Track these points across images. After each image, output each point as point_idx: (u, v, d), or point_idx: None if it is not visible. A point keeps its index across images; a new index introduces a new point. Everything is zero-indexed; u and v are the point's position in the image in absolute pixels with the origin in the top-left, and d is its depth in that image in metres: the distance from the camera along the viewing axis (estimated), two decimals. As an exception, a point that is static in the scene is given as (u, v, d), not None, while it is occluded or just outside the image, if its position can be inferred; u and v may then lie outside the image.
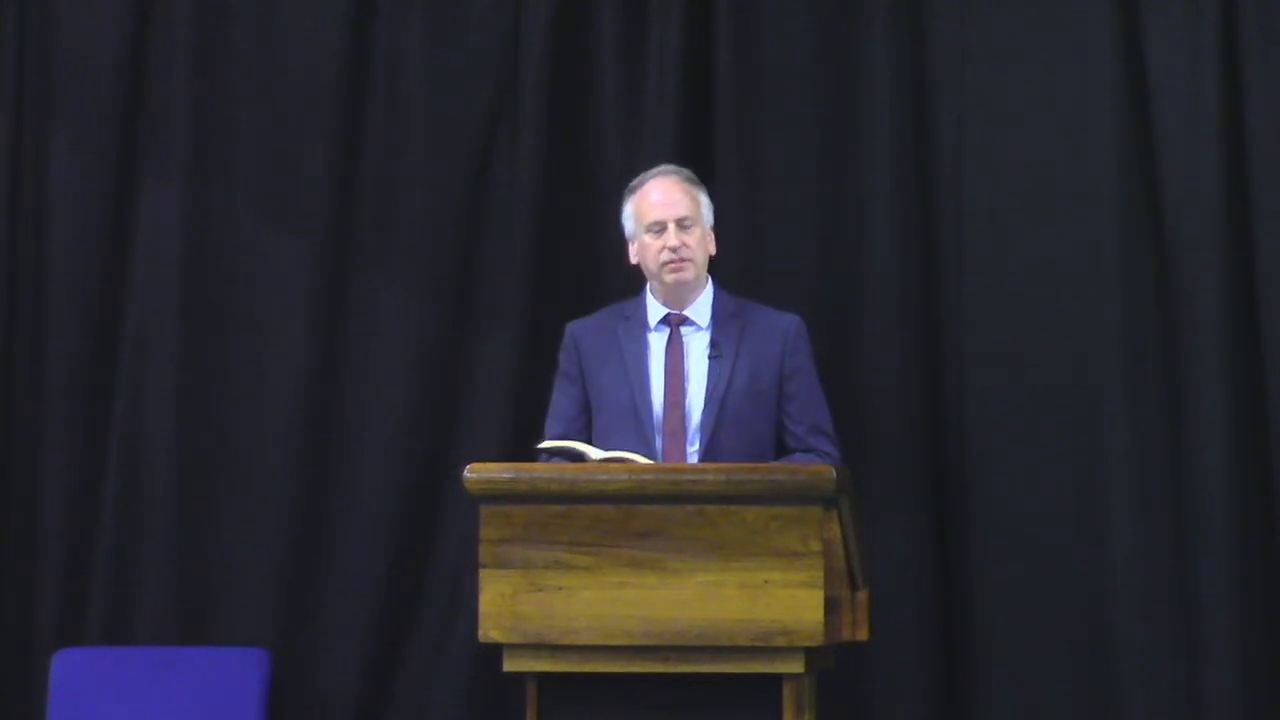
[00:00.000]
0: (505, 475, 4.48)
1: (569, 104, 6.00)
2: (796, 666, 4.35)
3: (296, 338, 6.06)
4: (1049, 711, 5.73)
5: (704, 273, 5.11)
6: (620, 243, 5.34)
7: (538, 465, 4.74)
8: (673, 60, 5.93)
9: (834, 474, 4.40)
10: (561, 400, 5.13)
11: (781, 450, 5.04)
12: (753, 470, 4.51)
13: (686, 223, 5.06)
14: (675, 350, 5.05)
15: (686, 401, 4.98)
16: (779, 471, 4.50)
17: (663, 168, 5.18)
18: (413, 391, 6.02)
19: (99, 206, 6.14)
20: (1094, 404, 5.74)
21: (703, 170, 5.86)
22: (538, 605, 4.38)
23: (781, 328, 5.08)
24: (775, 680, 4.37)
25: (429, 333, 6.03)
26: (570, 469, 4.62)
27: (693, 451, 4.96)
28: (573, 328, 5.19)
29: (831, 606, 4.40)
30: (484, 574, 4.42)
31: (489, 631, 4.40)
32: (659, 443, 4.96)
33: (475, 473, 4.48)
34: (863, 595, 4.55)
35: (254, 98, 6.12)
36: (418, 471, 6.00)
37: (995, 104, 5.86)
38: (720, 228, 5.85)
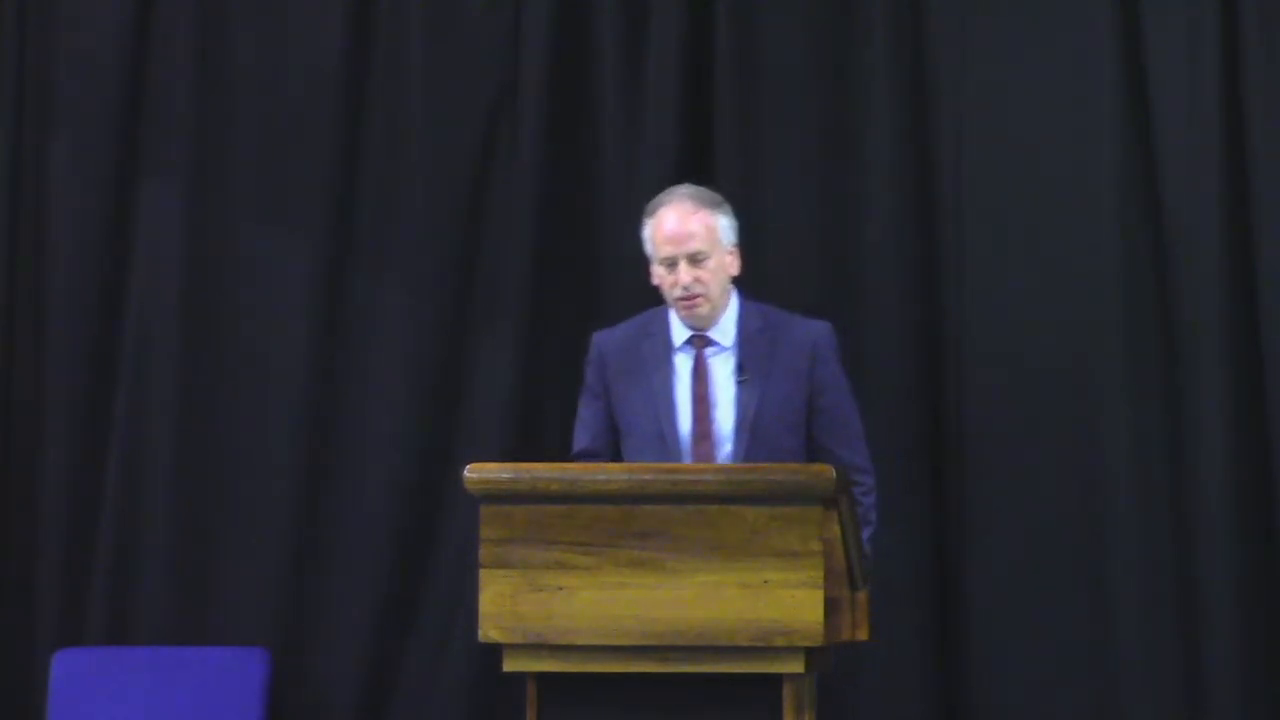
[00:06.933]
0: (505, 475, 4.47)
1: (569, 104, 6.00)
2: (796, 666, 4.35)
3: (296, 338, 6.06)
4: (1049, 712, 5.73)
5: (724, 296, 4.91)
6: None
7: (538, 465, 4.73)
8: (673, 60, 5.94)
9: (834, 474, 4.40)
10: (587, 413, 5.00)
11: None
12: (753, 470, 4.51)
13: (699, 256, 4.84)
14: (701, 377, 4.90)
15: (714, 430, 4.87)
16: (779, 471, 4.49)
17: (679, 191, 4.93)
18: (413, 391, 6.02)
19: (99, 206, 6.14)
20: (1094, 404, 5.74)
21: (702, 170, 5.87)
22: (538, 605, 4.38)
23: (810, 341, 4.93)
24: (775, 680, 4.37)
25: (429, 333, 6.03)
26: (571, 469, 4.61)
27: None
28: (599, 341, 5.02)
29: (831, 606, 4.40)
30: (484, 574, 4.41)
31: (489, 631, 4.40)
32: None
33: (475, 473, 4.47)
34: (863, 595, 4.54)
35: (254, 98, 6.13)
36: (418, 471, 6.00)
37: (995, 104, 5.86)
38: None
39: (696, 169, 5.88)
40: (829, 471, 4.40)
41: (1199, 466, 5.68)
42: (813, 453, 4.92)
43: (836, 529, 4.44)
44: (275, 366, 6.07)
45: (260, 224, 6.11)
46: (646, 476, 4.45)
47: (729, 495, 4.37)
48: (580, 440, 4.99)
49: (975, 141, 5.85)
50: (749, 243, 5.78)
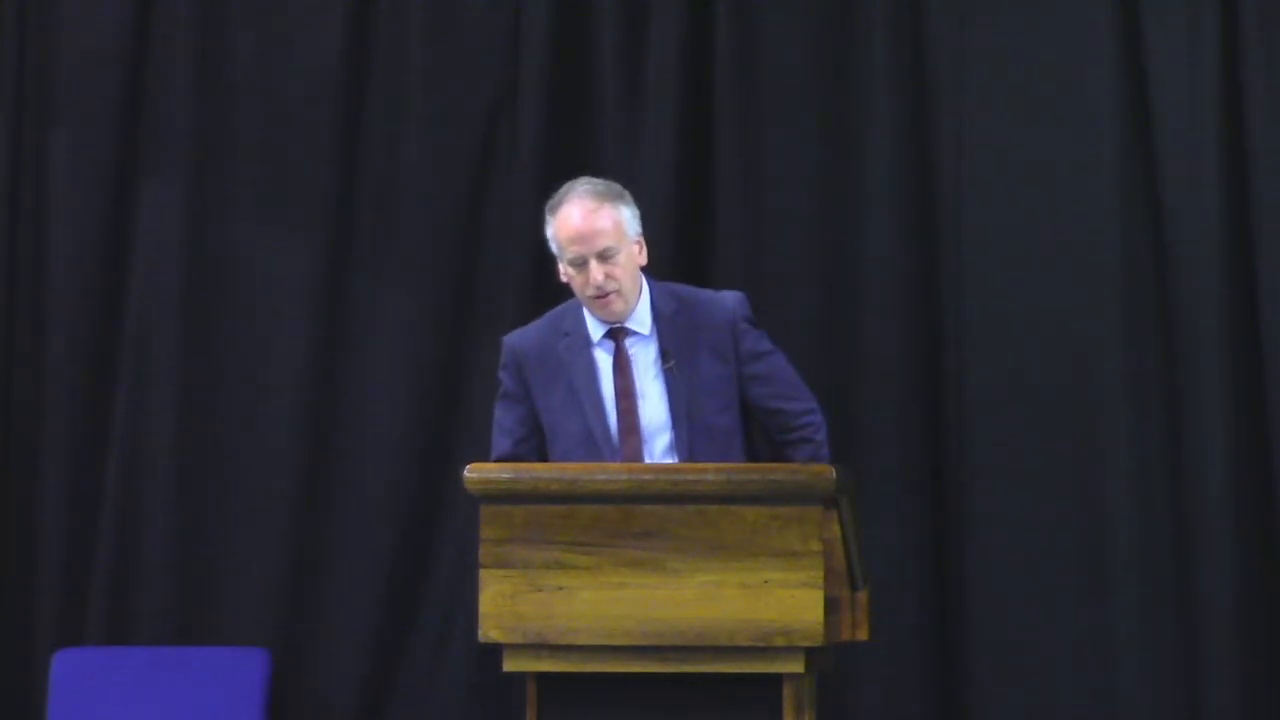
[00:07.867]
0: (505, 475, 4.47)
1: (569, 104, 6.00)
2: (796, 666, 4.35)
3: (296, 338, 6.06)
4: (1048, 712, 5.73)
5: (636, 287, 4.79)
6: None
7: (537, 465, 4.74)
8: (673, 60, 5.93)
9: (834, 474, 4.40)
10: (507, 419, 4.89)
11: (767, 438, 4.85)
12: (753, 470, 4.51)
13: (609, 253, 4.71)
14: (624, 370, 4.81)
15: (640, 423, 4.78)
16: (779, 471, 4.49)
17: (579, 187, 4.78)
18: (413, 391, 6.02)
19: (99, 206, 6.14)
20: (1094, 404, 5.74)
21: (703, 170, 5.87)
22: (538, 605, 4.38)
23: (727, 318, 4.81)
24: (775, 680, 4.37)
25: (429, 333, 6.03)
26: (570, 468, 4.61)
27: None
28: (512, 345, 4.90)
29: (831, 606, 4.40)
30: (484, 574, 4.41)
31: (489, 631, 4.40)
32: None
33: (475, 473, 4.47)
34: (863, 595, 4.54)
35: (254, 98, 6.12)
36: (418, 471, 6.00)
37: (995, 104, 5.86)
38: (720, 227, 5.86)
39: (696, 169, 5.89)
40: (829, 471, 4.40)
41: (1199, 466, 5.68)
42: (763, 415, 4.84)
43: (836, 529, 4.44)
44: (275, 366, 6.07)
45: (260, 224, 6.11)
46: (646, 476, 4.45)
47: (729, 495, 4.37)
48: (500, 446, 4.88)
49: (975, 141, 5.85)
50: (750, 243, 5.80)
